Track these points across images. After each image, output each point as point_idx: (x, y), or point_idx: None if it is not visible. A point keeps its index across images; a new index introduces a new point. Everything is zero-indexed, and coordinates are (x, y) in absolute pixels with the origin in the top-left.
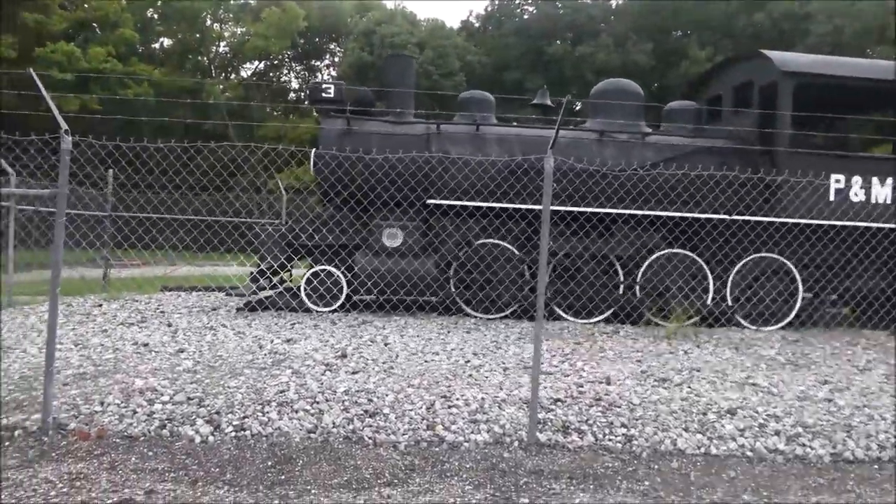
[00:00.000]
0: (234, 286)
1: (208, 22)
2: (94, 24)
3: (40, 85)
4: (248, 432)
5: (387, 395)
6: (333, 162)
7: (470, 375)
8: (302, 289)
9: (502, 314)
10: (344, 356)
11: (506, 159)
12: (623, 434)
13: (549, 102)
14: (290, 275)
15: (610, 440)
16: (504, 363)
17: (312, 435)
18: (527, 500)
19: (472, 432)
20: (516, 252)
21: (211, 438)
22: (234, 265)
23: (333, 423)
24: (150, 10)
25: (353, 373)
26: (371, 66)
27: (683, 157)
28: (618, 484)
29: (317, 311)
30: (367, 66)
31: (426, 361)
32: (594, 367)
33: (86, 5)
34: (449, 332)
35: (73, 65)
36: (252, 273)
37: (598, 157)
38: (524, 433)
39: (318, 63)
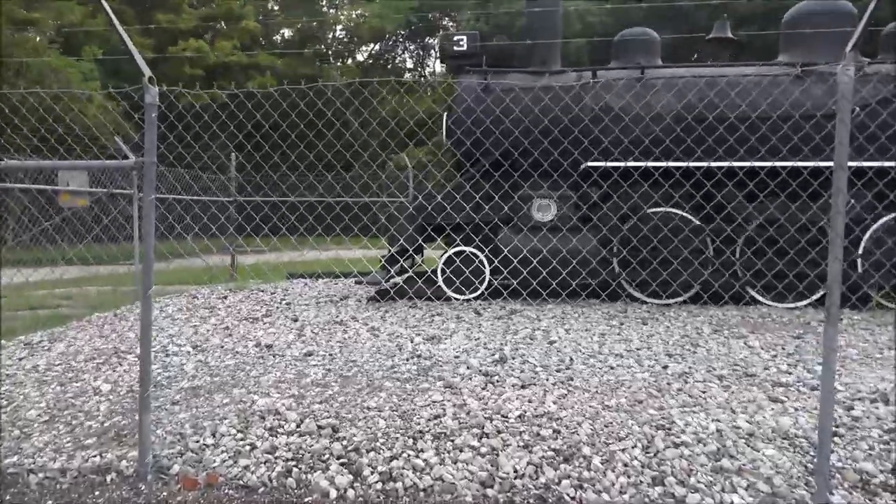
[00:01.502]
0: (361, 273)
1: (325, 8)
2: (220, 20)
3: (112, 15)
4: (398, 484)
5: (579, 424)
6: (469, 118)
7: (679, 389)
8: (439, 274)
9: (679, 298)
10: (503, 360)
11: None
12: None
13: (730, 35)
14: (423, 258)
15: None
16: (713, 368)
17: (489, 491)
18: None
19: (723, 489)
20: (696, 221)
21: (350, 492)
22: (356, 249)
23: (516, 471)
24: (271, 1)
25: (522, 386)
26: (486, 37)
27: None
28: None
29: (456, 300)
30: (482, 36)
31: (611, 368)
32: (841, 373)
33: (213, 4)
34: (622, 323)
35: (203, 60)
36: (382, 258)
37: (798, 99)
38: (804, 492)
39: (431, 40)
